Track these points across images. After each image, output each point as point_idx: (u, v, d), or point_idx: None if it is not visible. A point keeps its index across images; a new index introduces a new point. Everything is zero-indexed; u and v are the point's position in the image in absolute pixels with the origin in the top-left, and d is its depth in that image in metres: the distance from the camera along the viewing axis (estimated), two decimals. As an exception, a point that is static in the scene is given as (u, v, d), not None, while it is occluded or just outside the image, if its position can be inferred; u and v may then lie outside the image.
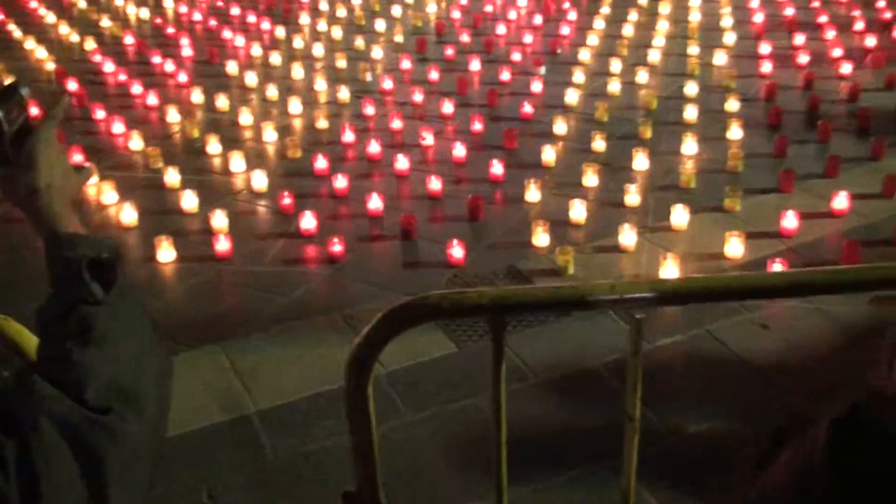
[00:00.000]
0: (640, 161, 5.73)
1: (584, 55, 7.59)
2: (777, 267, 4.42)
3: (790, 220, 4.91)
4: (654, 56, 7.55)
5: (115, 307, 1.25)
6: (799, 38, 7.80)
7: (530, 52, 7.80)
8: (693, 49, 7.65)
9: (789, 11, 8.51)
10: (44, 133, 1.37)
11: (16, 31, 8.41)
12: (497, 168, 5.63)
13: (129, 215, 5.21)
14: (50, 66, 7.63)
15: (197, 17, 8.82)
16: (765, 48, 7.60)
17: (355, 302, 4.37)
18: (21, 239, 4.80)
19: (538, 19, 8.48)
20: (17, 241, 4.84)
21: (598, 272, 4.59)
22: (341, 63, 7.54)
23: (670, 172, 5.67)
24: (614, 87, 6.93)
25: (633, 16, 8.47)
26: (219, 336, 4.13)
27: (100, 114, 6.58)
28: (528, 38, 8.02)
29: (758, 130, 6.21)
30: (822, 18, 8.30)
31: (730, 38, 7.91)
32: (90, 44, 8.04)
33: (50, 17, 8.81)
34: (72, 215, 1.34)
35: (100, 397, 1.15)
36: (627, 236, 4.82)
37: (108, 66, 7.51)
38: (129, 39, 8.18)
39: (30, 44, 8.08)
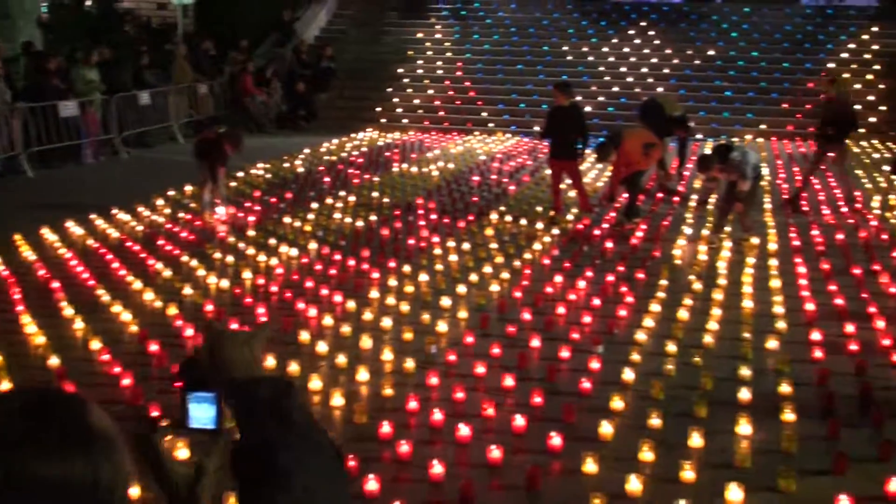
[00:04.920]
0: (696, 439, 5.88)
1: (641, 336, 7.90)
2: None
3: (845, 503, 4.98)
4: (708, 339, 7.84)
5: (299, 448, 1.53)
6: (850, 327, 8.06)
7: (588, 332, 8.14)
8: (746, 334, 7.93)
9: (839, 301, 8.82)
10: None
11: (105, 296, 8.99)
12: (556, 440, 5.82)
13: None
14: (134, 328, 8.12)
15: (273, 288, 9.37)
16: (816, 335, 7.86)
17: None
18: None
19: (596, 301, 8.88)
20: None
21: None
22: (408, 335, 7.93)
23: (725, 451, 5.80)
24: (670, 366, 7.19)
25: (687, 301, 8.83)
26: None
27: (178, 374, 6.96)
28: (586, 319, 8.38)
29: (811, 414, 6.36)
30: (872, 309, 8.58)
31: (781, 324, 8.20)
32: (172, 310, 8.56)
33: (136, 284, 9.41)
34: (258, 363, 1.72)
35: None
36: (683, 512, 4.92)
37: (188, 331, 7.99)
38: (209, 307, 8.70)
39: (116, 307, 8.63)
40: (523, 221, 12.48)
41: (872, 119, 21.06)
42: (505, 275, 9.86)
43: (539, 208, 13.35)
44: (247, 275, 9.83)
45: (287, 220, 12.47)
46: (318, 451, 1.57)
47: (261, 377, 1.67)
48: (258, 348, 1.76)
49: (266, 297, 9.15)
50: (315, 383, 6.85)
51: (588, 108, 21.91)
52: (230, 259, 10.49)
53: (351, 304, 8.78)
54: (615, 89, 23.32)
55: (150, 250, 10.78)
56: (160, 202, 13.50)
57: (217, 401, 1.76)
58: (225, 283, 9.53)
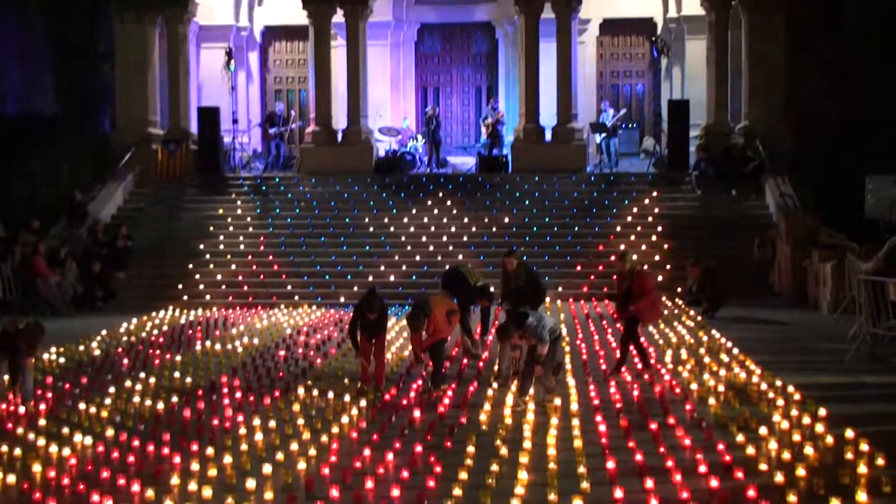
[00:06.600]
0: None
1: (450, 505, 7.88)
2: None
3: None
4: (515, 504, 7.89)
5: None
6: (649, 483, 8.30)
7: (398, 505, 8.04)
8: (552, 496, 8.01)
9: (639, 457, 9.09)
10: None
11: None
12: None
13: None
14: None
15: (65, 481, 8.84)
16: (619, 493, 8.04)
17: None
18: None
19: (405, 473, 8.80)
20: None
21: None
22: (210, 522, 7.61)
23: None
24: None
25: (494, 466, 8.89)
26: None
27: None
28: (395, 492, 8.28)
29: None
30: (669, 463, 8.88)
31: (585, 484, 8.35)
32: (-48, 512, 7.94)
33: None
34: None
35: None
36: None
37: (-31, 535, 7.40)
38: (-7, 506, 8.12)
39: None
40: (331, 395, 12.37)
41: (660, 278, 22.25)
42: (312, 451, 9.67)
43: (346, 380, 13.30)
44: (36, 467, 9.24)
45: (82, 406, 11.90)
46: None
47: None
48: None
49: (58, 491, 8.61)
50: (110, 582, 6.44)
51: (391, 277, 22.40)
52: (17, 451, 9.85)
53: (150, 493, 8.36)
54: (417, 258, 23.90)
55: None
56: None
57: None
58: (11, 478, 8.92)
